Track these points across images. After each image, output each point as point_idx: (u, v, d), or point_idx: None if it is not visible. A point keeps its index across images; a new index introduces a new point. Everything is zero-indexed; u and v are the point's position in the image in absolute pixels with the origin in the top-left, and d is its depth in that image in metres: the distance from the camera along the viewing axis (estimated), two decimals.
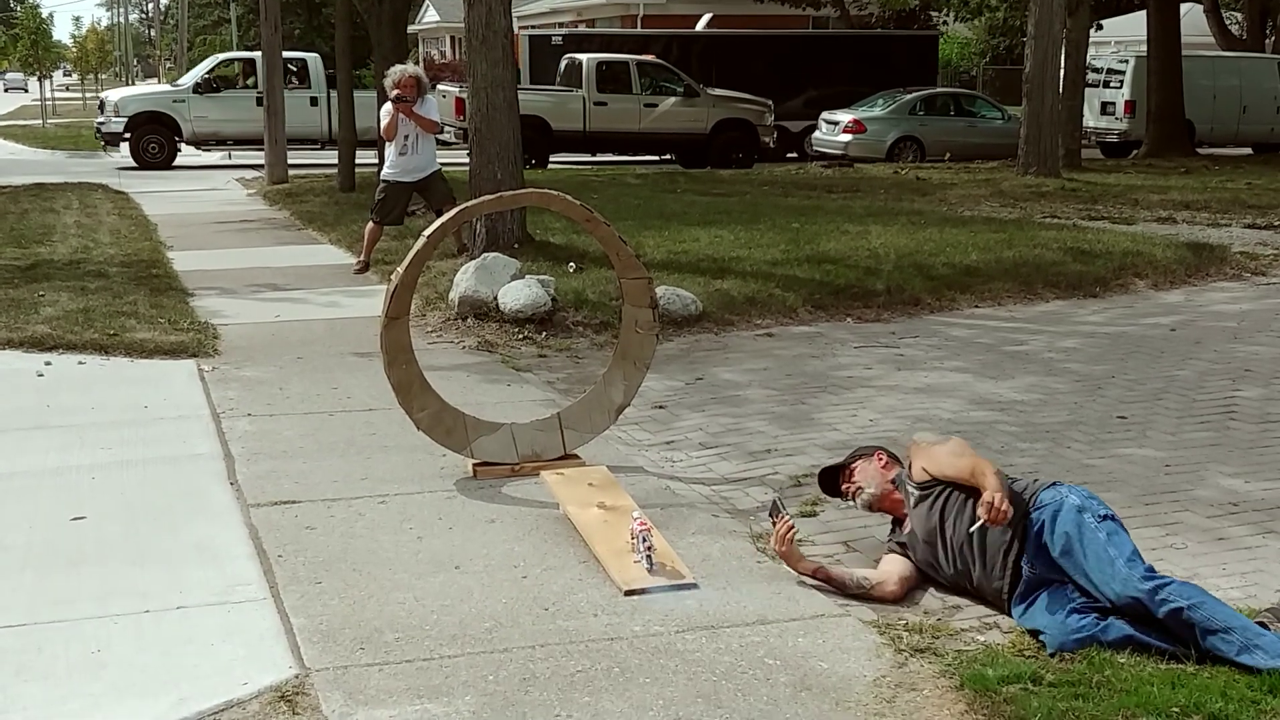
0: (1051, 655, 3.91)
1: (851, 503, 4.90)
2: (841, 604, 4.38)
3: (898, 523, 4.74)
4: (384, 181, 11.27)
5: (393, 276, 5.67)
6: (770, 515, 4.64)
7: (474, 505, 5.38)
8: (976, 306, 9.83)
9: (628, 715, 3.62)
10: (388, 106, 10.84)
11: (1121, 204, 16.21)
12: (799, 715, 3.63)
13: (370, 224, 11.26)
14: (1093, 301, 10.08)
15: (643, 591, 4.45)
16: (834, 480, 4.97)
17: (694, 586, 4.50)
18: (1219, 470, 5.81)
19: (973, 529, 4.28)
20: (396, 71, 11.04)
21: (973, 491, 4.34)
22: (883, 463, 4.86)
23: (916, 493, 4.58)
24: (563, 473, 5.59)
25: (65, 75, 74.07)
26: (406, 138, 10.95)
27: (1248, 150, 26.93)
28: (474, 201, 6.06)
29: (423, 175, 11.09)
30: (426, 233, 5.59)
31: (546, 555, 4.82)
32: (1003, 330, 9.03)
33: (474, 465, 5.76)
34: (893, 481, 4.75)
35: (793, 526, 4.52)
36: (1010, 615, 4.22)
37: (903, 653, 4.00)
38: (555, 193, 5.83)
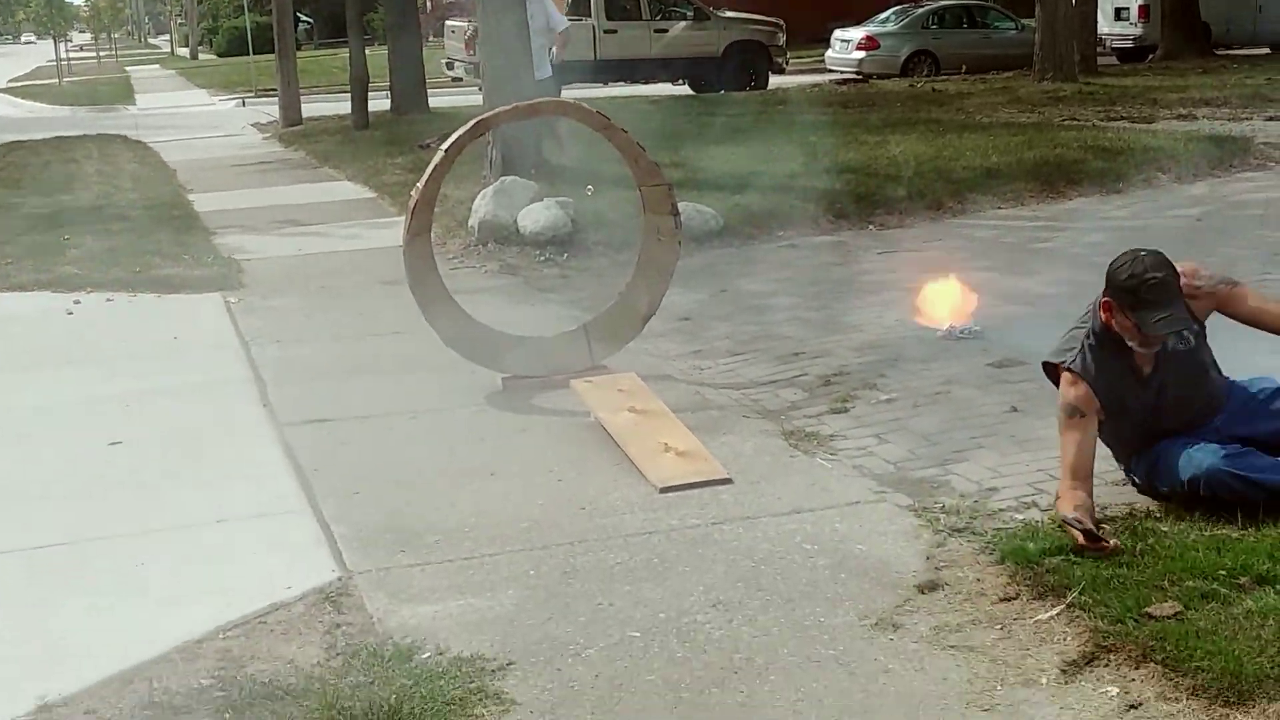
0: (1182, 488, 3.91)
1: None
2: (877, 490, 4.39)
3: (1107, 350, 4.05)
4: None
5: (412, 193, 5.66)
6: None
7: (505, 416, 5.40)
8: (999, 208, 9.74)
9: (668, 601, 3.64)
10: None
11: (1140, 104, 16.01)
12: (840, 595, 3.65)
13: None
14: (1116, 197, 9.98)
15: (678, 488, 4.47)
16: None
17: (729, 481, 4.52)
18: (1257, 350, 5.74)
19: None
20: None
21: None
22: None
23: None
24: (592, 380, 5.60)
25: (80, 34, 73.57)
26: None
27: (1265, 50, 26.49)
28: (491, 112, 6.03)
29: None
30: (444, 146, 5.56)
31: (580, 459, 4.84)
32: (1026, 229, 8.96)
33: (502, 379, 5.77)
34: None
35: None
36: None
37: (940, 533, 4.01)
38: (572, 101, 5.82)
